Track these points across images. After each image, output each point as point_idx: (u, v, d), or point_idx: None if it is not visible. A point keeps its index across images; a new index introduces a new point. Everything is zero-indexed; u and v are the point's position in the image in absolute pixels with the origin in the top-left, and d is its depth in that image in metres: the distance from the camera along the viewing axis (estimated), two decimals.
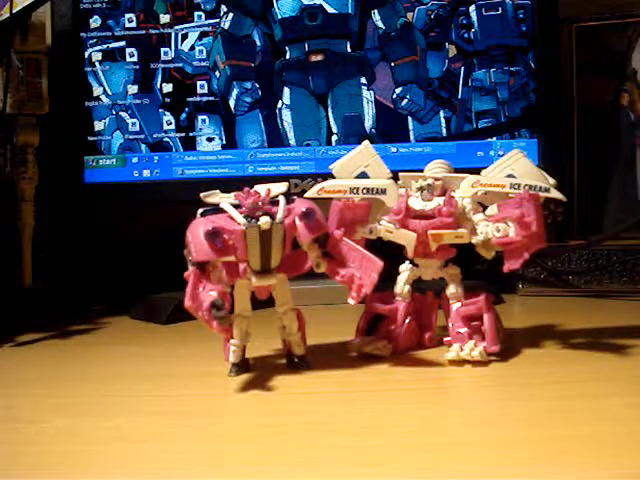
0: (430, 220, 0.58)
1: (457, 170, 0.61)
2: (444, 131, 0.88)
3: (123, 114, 0.88)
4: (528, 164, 0.58)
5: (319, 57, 0.88)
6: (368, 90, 0.88)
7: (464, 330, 0.58)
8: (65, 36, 0.88)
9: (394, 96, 0.88)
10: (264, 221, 0.53)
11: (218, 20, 0.88)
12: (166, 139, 0.89)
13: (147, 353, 0.67)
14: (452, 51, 0.87)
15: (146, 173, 0.89)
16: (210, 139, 0.88)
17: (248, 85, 0.88)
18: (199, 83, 0.88)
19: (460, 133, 0.88)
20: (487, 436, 0.42)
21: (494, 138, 0.87)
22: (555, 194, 0.57)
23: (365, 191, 0.59)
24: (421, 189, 0.59)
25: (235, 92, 0.88)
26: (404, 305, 0.60)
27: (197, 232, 0.52)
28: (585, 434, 0.41)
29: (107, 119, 0.89)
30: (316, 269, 0.56)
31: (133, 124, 0.89)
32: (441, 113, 0.88)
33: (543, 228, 0.55)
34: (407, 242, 0.58)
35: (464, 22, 0.87)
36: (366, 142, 0.61)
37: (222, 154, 0.88)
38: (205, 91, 0.88)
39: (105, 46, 0.88)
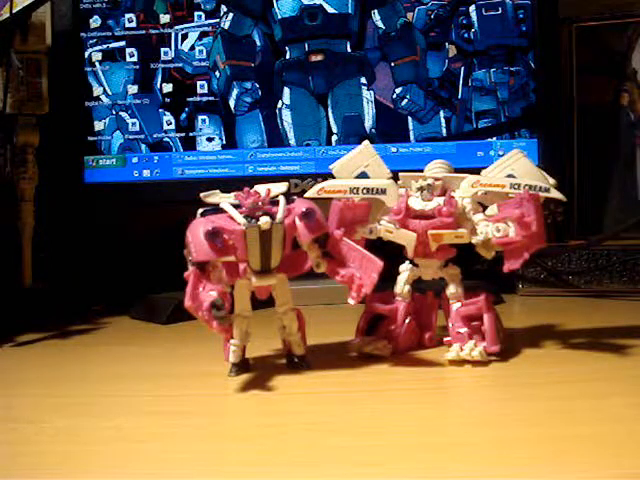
0: (430, 220, 0.58)
1: (457, 170, 0.61)
2: (444, 131, 0.88)
3: (123, 114, 0.88)
4: (528, 164, 0.58)
5: (319, 57, 0.88)
6: (368, 90, 0.88)
7: (464, 330, 0.58)
8: (65, 36, 0.88)
9: (394, 96, 0.88)
10: (264, 221, 0.53)
11: (218, 20, 0.88)
12: (166, 139, 0.89)
13: (147, 353, 0.67)
14: (452, 51, 0.87)
15: (146, 173, 0.89)
16: (210, 139, 0.88)
17: (248, 85, 0.88)
18: (199, 83, 0.88)
19: (460, 133, 0.88)
20: (487, 436, 0.42)
21: (494, 138, 0.87)
22: (555, 194, 0.57)
23: (365, 191, 0.59)
24: (421, 189, 0.59)
25: (235, 92, 0.88)
26: (404, 305, 0.60)
27: (197, 232, 0.52)
28: (585, 434, 0.41)
29: (107, 119, 0.89)
30: (316, 269, 0.56)
31: (133, 124, 0.89)
32: (441, 113, 0.88)
33: (543, 228, 0.55)
34: (407, 242, 0.58)
35: (464, 22, 0.87)
36: (366, 142, 0.61)
37: (222, 154, 0.88)
38: (205, 91, 0.88)
39: (105, 46, 0.88)
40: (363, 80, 0.88)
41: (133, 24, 0.88)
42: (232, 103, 0.88)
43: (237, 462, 0.40)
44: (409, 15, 0.87)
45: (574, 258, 0.87)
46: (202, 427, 0.46)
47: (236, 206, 0.54)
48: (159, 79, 0.88)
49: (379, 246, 0.58)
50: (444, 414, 0.48)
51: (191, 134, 0.88)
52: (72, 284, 0.94)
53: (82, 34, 0.88)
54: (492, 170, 0.59)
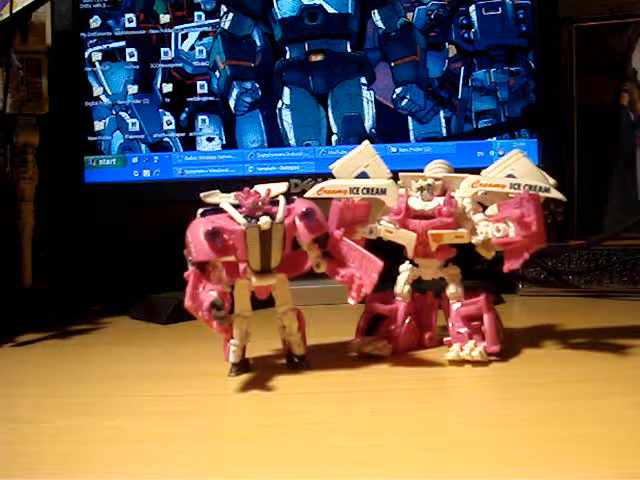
0: (430, 220, 0.58)
1: (457, 170, 0.61)
2: (444, 131, 0.88)
3: (123, 114, 0.88)
4: (528, 164, 0.58)
5: (319, 57, 0.88)
6: (368, 90, 0.88)
7: (464, 330, 0.58)
8: (65, 36, 0.88)
9: (394, 96, 0.88)
10: (264, 221, 0.53)
11: (218, 20, 0.88)
12: (166, 139, 0.89)
13: (147, 353, 0.67)
14: (452, 51, 0.87)
15: (146, 173, 0.89)
16: (210, 139, 0.88)
17: (248, 85, 0.88)
18: (199, 83, 0.88)
19: (460, 133, 0.88)
20: (487, 436, 0.42)
21: (494, 138, 0.87)
22: (555, 194, 0.57)
23: (365, 191, 0.59)
24: (421, 189, 0.59)
25: (235, 92, 0.88)
26: (404, 305, 0.60)
27: (197, 232, 0.52)
28: (585, 434, 0.41)
29: (107, 119, 0.89)
30: (316, 269, 0.56)
31: (133, 124, 0.89)
32: (441, 113, 0.88)
33: (543, 228, 0.55)
34: (407, 242, 0.58)
35: (464, 22, 0.87)
36: (366, 142, 0.61)
37: (222, 154, 0.88)
38: (205, 91, 0.88)
39: (105, 46, 0.88)
40: (363, 80, 0.88)
41: (133, 24, 0.88)
42: (232, 103, 0.88)
43: (237, 462, 0.40)
44: (409, 15, 0.87)
45: (574, 258, 0.87)
46: (202, 427, 0.46)
47: (236, 206, 0.54)
48: (159, 79, 0.88)
49: (379, 246, 0.58)
50: (444, 414, 0.48)
51: (191, 134, 0.88)
52: (72, 284, 0.94)
53: (82, 34, 0.88)
54: (492, 170, 0.59)
